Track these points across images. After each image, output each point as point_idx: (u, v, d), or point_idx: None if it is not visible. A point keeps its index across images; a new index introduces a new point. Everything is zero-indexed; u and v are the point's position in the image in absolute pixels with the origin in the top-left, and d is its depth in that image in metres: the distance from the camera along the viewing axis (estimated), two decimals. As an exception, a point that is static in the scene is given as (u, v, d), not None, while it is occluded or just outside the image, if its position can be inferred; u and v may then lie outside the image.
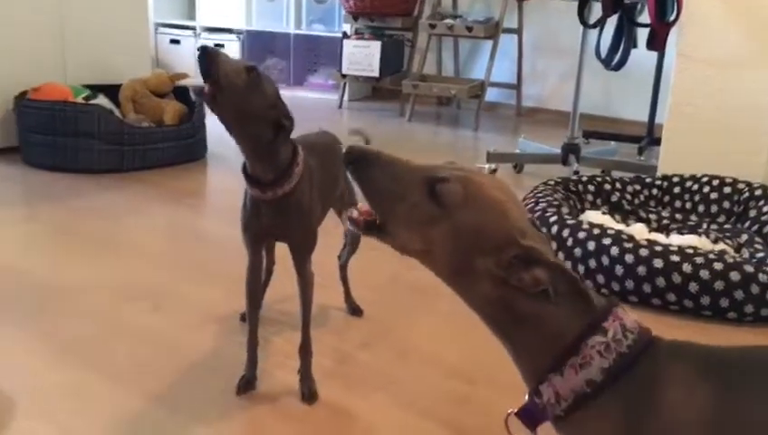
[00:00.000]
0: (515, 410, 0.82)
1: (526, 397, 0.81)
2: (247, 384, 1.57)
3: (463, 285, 0.79)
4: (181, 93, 3.73)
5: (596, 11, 3.17)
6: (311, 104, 5.52)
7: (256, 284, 1.55)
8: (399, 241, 0.80)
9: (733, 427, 0.71)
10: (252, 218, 1.44)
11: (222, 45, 5.98)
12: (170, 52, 6.16)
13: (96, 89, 3.53)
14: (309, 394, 1.54)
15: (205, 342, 1.78)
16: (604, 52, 3.18)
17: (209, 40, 6.02)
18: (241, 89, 1.28)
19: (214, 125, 3.79)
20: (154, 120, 3.53)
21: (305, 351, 1.56)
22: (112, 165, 3.27)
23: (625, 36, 3.12)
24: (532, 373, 0.78)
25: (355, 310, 1.98)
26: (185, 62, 5.94)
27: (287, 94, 5.97)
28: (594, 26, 3.13)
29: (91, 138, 3.23)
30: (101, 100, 3.43)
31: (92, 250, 2.37)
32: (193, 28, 6.09)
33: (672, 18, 2.69)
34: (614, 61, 3.18)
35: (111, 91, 3.58)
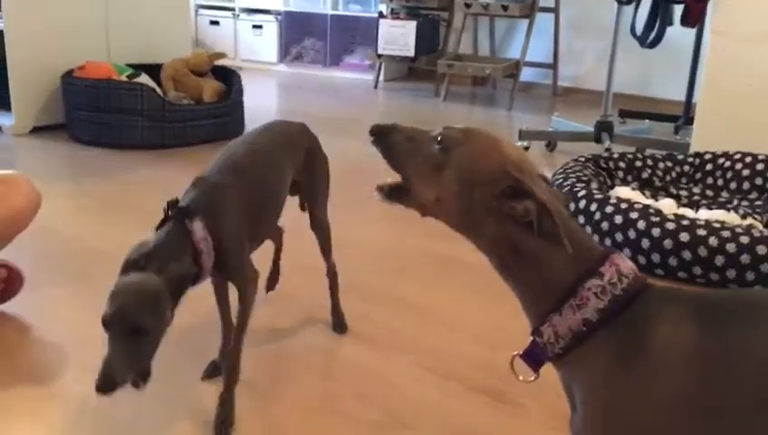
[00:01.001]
0: (520, 353, 0.88)
1: (529, 340, 0.86)
2: (215, 369, 1.53)
3: (472, 228, 0.85)
4: (220, 72, 3.83)
5: (632, -12, 3.15)
6: (347, 85, 5.59)
7: (222, 298, 1.51)
8: (418, 197, 0.88)
9: (719, 363, 0.75)
10: None
11: (260, 26, 6.07)
12: (210, 32, 6.27)
13: (138, 68, 3.64)
14: (223, 422, 1.36)
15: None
16: (640, 29, 3.17)
17: (248, 21, 6.12)
18: (147, 348, 1.18)
19: (251, 103, 3.89)
20: (193, 98, 3.63)
21: (230, 371, 1.39)
22: (154, 141, 3.38)
23: (660, 13, 3.10)
24: (536, 315, 0.84)
25: (341, 325, 1.78)
26: (224, 42, 6.05)
27: (324, 75, 6.05)
28: (629, 3, 3.12)
29: (134, 115, 3.35)
30: (144, 78, 3.54)
31: (135, 220, 2.47)
32: (232, 9, 6.18)
33: (706, -6, 2.67)
34: (649, 38, 3.17)
35: (153, 70, 3.69)
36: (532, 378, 0.89)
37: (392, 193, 0.91)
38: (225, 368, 1.41)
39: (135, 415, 1.42)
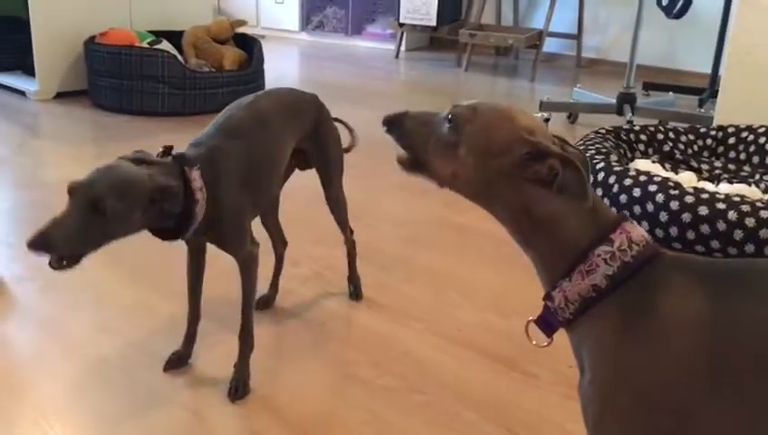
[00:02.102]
0: (534, 318, 0.89)
1: (542, 305, 0.87)
2: (179, 360, 1.48)
3: (489, 197, 0.87)
4: (241, 40, 3.83)
5: (658, -43, 3.10)
6: (368, 54, 5.56)
7: (196, 264, 1.44)
8: (436, 172, 0.91)
9: (726, 330, 0.76)
10: None
11: (282, -6, 6.03)
12: (232, 0, 6.25)
13: (160, 35, 3.65)
14: (236, 388, 1.38)
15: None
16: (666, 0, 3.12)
17: (270, -12, 6.09)
18: (96, 234, 1.13)
19: (272, 71, 3.89)
20: (214, 66, 3.64)
21: (244, 339, 1.41)
22: (175, 108, 3.41)
23: (687, -17, 3.05)
24: (549, 281, 0.86)
25: (357, 292, 1.80)
26: (246, 10, 6.04)
27: (345, 44, 6.04)
28: (655, -28, 3.06)
29: (155, 81, 3.37)
30: (165, 45, 3.55)
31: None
32: (254, -23, 6.15)
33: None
34: (675, 9, 3.11)
35: (174, 36, 3.70)
36: (545, 343, 0.90)
37: (413, 165, 0.94)
38: (239, 338, 1.41)
39: (151, 378, 1.46)
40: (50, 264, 1.12)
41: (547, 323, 0.88)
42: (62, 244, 1.09)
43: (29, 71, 3.72)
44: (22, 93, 3.70)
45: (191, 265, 1.44)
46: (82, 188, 1.12)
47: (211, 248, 1.40)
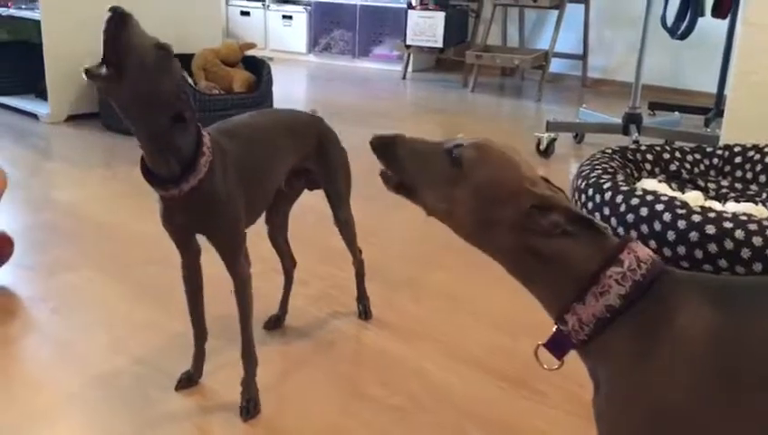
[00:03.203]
0: (543, 342, 0.90)
1: (554, 329, 0.88)
2: (189, 380, 1.49)
3: (486, 239, 0.88)
4: (250, 62, 3.88)
5: (662, -22, 3.13)
6: (375, 75, 5.61)
7: (193, 283, 1.44)
8: (427, 203, 0.91)
9: (738, 345, 0.77)
10: (166, 216, 1.31)
11: (290, 17, 6.11)
12: (241, 23, 6.34)
13: (170, 58, 3.70)
14: (248, 408, 1.39)
15: (263, 287, 1.90)
16: (671, 20, 3.14)
17: (278, 11, 6.17)
18: (149, 70, 1.13)
19: (280, 93, 3.93)
20: (224, 88, 3.69)
21: (247, 357, 1.41)
22: (185, 130, 3.44)
23: (692, 4, 3.07)
24: (557, 307, 0.86)
25: (366, 312, 1.81)
26: (254, 32, 6.11)
27: (352, 65, 6.08)
28: (659, -6, 3.10)
29: (165, 104, 3.40)
30: (175, 68, 3.60)
31: (166, 208, 2.54)
32: (262, 0, 6.23)
33: (737, -15, 2.64)
34: (680, 29, 3.14)
35: (184, 60, 3.74)
36: (556, 366, 0.91)
37: (398, 187, 0.92)
38: (242, 356, 1.41)
39: (163, 398, 1.47)
40: (89, 71, 1.12)
41: (558, 345, 0.88)
42: (129, 36, 1.12)
43: (41, 94, 3.77)
44: (34, 116, 3.75)
45: (187, 282, 1.44)
46: (150, 36, 1.17)
47: (216, 268, 1.41)
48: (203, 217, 1.29)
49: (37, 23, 3.57)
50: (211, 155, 1.25)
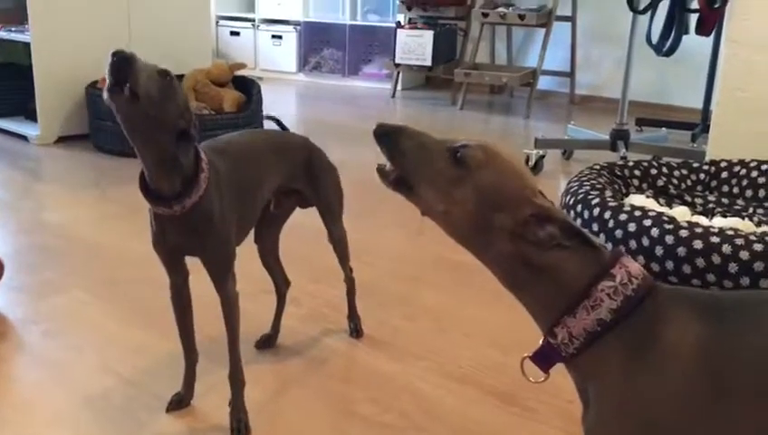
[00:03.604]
0: (530, 354, 0.90)
1: (540, 341, 0.89)
2: (180, 402, 1.49)
3: (480, 243, 0.87)
4: (240, 82, 3.90)
5: (647, -4, 3.18)
6: (365, 94, 5.64)
7: (182, 304, 1.44)
8: (424, 201, 0.89)
9: (727, 358, 0.79)
10: (158, 237, 1.32)
11: (280, 36, 6.15)
12: (230, 43, 6.36)
13: (160, 78, 3.72)
14: (239, 428, 1.39)
15: (257, 311, 1.90)
16: (656, 38, 3.19)
17: (267, 31, 6.20)
18: (156, 96, 1.18)
19: (270, 112, 3.94)
20: (214, 108, 3.70)
21: (234, 378, 1.41)
22: (175, 150, 3.45)
23: (676, 22, 3.12)
24: (547, 319, 0.86)
25: (357, 330, 1.81)
26: (244, 53, 6.14)
27: (342, 84, 6.10)
28: (643, 12, 3.14)
29: (155, 125, 3.41)
30: (165, 89, 3.61)
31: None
32: (252, 20, 6.27)
33: (719, 4, 2.69)
34: (665, 47, 3.18)
35: (175, 80, 3.76)
36: (542, 379, 0.91)
37: (397, 183, 0.90)
38: (229, 377, 1.41)
39: (154, 420, 1.47)
40: (107, 88, 1.16)
41: (545, 358, 0.88)
42: (137, 70, 1.15)
43: (31, 116, 3.78)
44: (24, 138, 3.75)
45: (176, 304, 1.43)
46: (151, 64, 1.20)
47: (205, 287, 1.41)
48: (197, 235, 1.30)
49: (27, 45, 3.58)
50: (208, 172, 1.28)
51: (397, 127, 0.90)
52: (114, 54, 1.13)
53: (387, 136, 0.90)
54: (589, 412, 0.85)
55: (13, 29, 3.78)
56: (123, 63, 1.14)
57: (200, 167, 1.27)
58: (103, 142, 3.55)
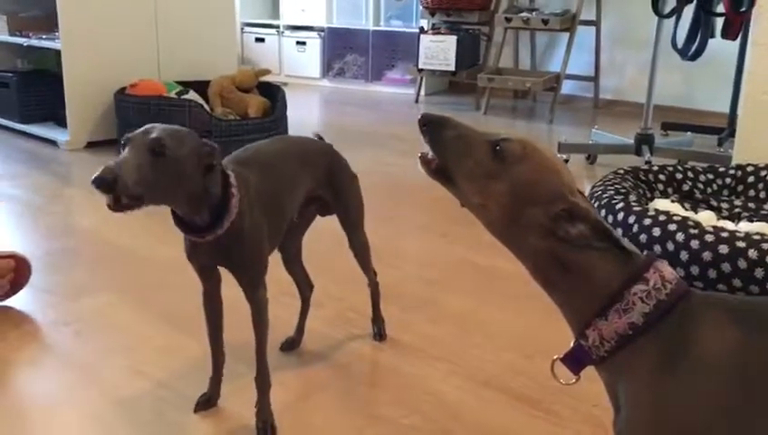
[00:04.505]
0: (560, 356, 0.90)
1: (572, 343, 0.89)
2: (207, 402, 1.52)
3: (514, 237, 0.88)
4: (265, 88, 3.94)
5: (672, 0, 3.16)
6: (388, 99, 5.66)
7: (214, 309, 1.47)
8: (462, 192, 0.90)
9: (759, 367, 0.78)
10: (191, 251, 1.35)
11: (304, 43, 6.20)
12: (255, 49, 6.43)
13: (187, 85, 3.77)
14: (264, 429, 1.41)
15: (281, 314, 1.92)
16: (681, 42, 3.17)
17: (292, 38, 6.26)
18: (162, 178, 1.16)
19: (294, 117, 3.99)
20: (239, 114, 3.75)
21: (261, 381, 1.44)
22: (201, 156, 3.49)
23: (702, 26, 3.10)
24: (578, 320, 0.86)
25: (381, 333, 1.83)
26: (269, 59, 6.20)
27: (365, 90, 6.12)
28: (668, 16, 3.13)
29: (182, 130, 3.47)
30: (192, 95, 3.67)
31: (183, 232, 2.58)
32: (277, 27, 6.33)
33: (745, 8, 2.67)
34: (691, 51, 3.16)
35: (201, 86, 3.81)
36: (573, 381, 0.92)
37: (437, 172, 0.91)
38: (255, 379, 1.43)
39: (182, 421, 1.49)
40: (108, 205, 1.15)
41: (576, 360, 0.88)
42: (124, 184, 1.12)
43: (60, 122, 3.85)
44: (54, 144, 3.82)
45: (207, 308, 1.47)
46: (140, 135, 1.17)
47: (237, 292, 1.44)
48: (229, 253, 1.32)
49: (57, 53, 3.66)
50: (239, 194, 1.28)
51: (441, 117, 0.92)
52: (93, 183, 1.10)
53: (430, 125, 0.91)
54: (619, 417, 0.84)
55: (44, 36, 3.86)
56: (107, 186, 1.10)
57: (230, 192, 1.26)
58: (131, 148, 3.60)
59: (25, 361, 1.72)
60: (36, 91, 4.05)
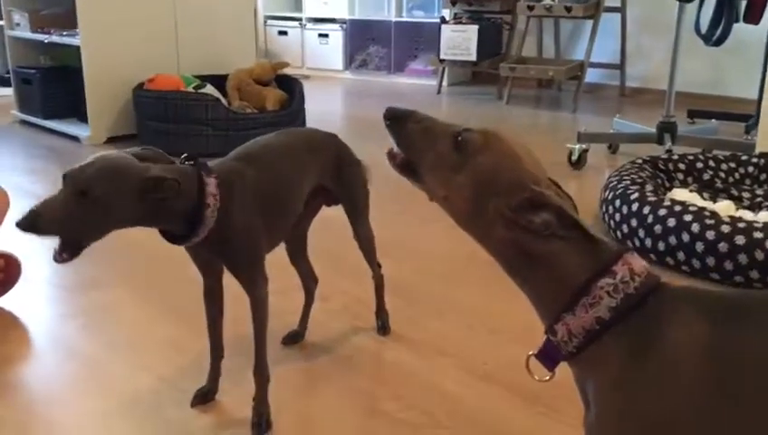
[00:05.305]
0: (534, 352, 0.88)
1: (543, 339, 0.86)
2: (205, 396, 1.51)
3: (480, 229, 0.85)
4: (283, 81, 3.94)
5: (694, -16, 3.07)
6: (411, 90, 5.63)
7: (214, 303, 1.47)
8: (427, 186, 0.88)
9: (732, 361, 0.75)
10: (189, 250, 1.37)
11: (327, 35, 6.19)
12: (278, 42, 6.44)
13: (206, 78, 3.79)
14: (260, 424, 1.40)
15: (285, 307, 1.91)
16: (705, 26, 3.08)
17: (314, 30, 6.25)
18: (90, 217, 1.15)
19: (316, 110, 3.98)
20: (257, 107, 3.75)
21: (259, 374, 1.42)
22: (219, 149, 3.47)
23: (726, 10, 3.00)
24: (548, 314, 0.84)
25: (385, 327, 1.81)
26: (292, 51, 6.21)
27: (388, 81, 6.12)
28: (690, 0, 3.04)
29: (200, 124, 3.48)
30: (209, 89, 3.68)
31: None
32: (299, 19, 6.33)
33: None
34: (714, 36, 3.07)
35: (219, 80, 3.83)
36: (547, 378, 0.89)
37: (405, 167, 0.90)
38: (254, 373, 1.42)
39: (181, 415, 1.49)
40: (54, 257, 1.17)
41: (549, 356, 0.86)
42: (47, 225, 1.11)
43: (82, 117, 3.90)
44: (76, 139, 3.87)
45: (208, 303, 1.47)
46: (73, 175, 1.15)
47: (236, 288, 1.43)
48: (220, 253, 1.34)
49: (77, 49, 3.70)
50: (217, 200, 1.26)
51: (405, 111, 0.90)
52: (18, 227, 1.10)
53: (394, 119, 0.90)
54: (589, 414, 0.82)
55: (65, 33, 3.90)
56: (28, 225, 1.10)
57: (204, 203, 1.24)
58: (150, 142, 3.58)
59: (31, 353, 1.74)
60: (58, 87, 4.10)
